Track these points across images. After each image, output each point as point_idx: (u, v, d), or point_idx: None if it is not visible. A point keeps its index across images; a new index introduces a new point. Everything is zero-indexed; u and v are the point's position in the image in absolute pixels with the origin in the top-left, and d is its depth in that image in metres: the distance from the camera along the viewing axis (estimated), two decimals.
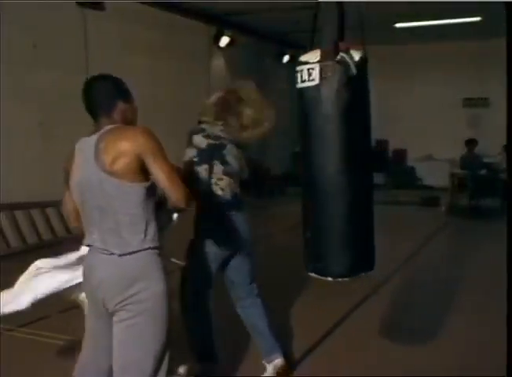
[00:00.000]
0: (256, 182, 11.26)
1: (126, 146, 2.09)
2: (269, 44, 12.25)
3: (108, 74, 2.31)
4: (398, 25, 10.92)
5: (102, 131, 2.16)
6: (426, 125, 12.86)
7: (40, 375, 3.48)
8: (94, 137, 2.16)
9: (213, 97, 3.30)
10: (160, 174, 2.11)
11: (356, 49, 2.22)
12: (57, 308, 4.01)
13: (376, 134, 13.26)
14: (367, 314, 4.54)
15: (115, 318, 2.19)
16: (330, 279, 2.28)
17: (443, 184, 10.88)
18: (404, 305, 4.81)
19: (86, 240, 2.26)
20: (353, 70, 2.17)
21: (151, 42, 8.83)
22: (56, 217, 6.90)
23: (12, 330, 4.07)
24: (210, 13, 9.82)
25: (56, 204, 6.29)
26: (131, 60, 8.39)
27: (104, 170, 2.09)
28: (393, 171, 13.24)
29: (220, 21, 10.28)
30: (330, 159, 2.22)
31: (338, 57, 2.15)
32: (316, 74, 2.16)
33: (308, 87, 2.20)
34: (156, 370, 2.19)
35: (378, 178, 13.53)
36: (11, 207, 6.49)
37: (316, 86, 2.16)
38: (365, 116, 2.30)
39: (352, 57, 2.18)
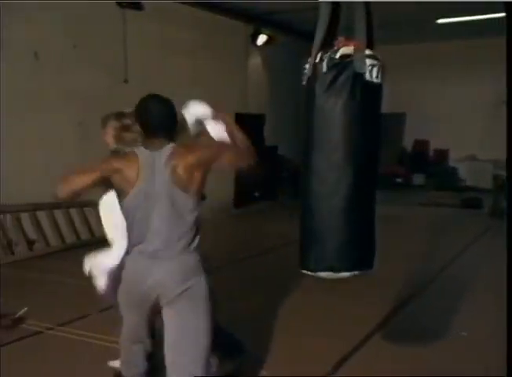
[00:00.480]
0: (292, 182, 11.23)
1: (192, 162, 2.46)
2: (307, 42, 12.15)
3: (166, 97, 2.63)
4: (440, 21, 10.71)
5: (170, 150, 2.48)
6: (469, 125, 12.57)
7: (79, 375, 3.51)
8: (162, 154, 2.47)
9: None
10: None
11: (355, 47, 2.23)
12: (98, 307, 4.10)
13: (416, 134, 13.05)
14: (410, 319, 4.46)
15: (169, 311, 2.49)
16: (322, 274, 2.32)
17: (486, 186, 10.61)
18: (448, 307, 4.71)
19: (134, 246, 2.53)
20: (324, 68, 2.22)
21: (189, 42, 8.89)
22: (93, 217, 7.02)
23: (52, 328, 4.14)
24: (248, 12, 9.82)
25: (94, 204, 6.48)
26: (169, 59, 8.47)
27: (175, 184, 2.44)
28: (433, 172, 13.00)
29: (258, 20, 10.27)
30: (327, 153, 2.26)
31: (319, 56, 2.28)
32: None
33: (305, 83, 2.34)
34: (207, 359, 2.52)
35: (418, 179, 13.31)
36: (50, 207, 6.64)
37: (312, 82, 2.28)
38: (365, 112, 2.27)
39: (376, 57, 2.23)
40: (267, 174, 11.04)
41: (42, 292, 5.00)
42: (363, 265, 2.35)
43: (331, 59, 2.21)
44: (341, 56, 2.21)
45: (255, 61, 10.85)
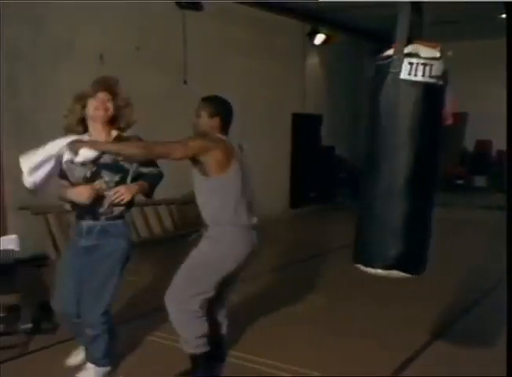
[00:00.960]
0: (350, 182, 11.14)
1: None
2: (367, 41, 12.02)
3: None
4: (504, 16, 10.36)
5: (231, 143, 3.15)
6: None
7: None
8: (235, 146, 3.18)
9: None
10: None
11: (432, 47, 2.19)
12: (152, 306, 4.16)
13: (478, 134, 12.65)
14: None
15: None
16: (372, 270, 2.32)
17: None
18: None
19: (241, 220, 3.09)
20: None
21: (247, 42, 8.97)
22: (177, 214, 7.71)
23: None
24: (306, 11, 9.79)
25: (178, 202, 7.59)
26: (228, 60, 8.57)
27: (246, 168, 3.19)
28: (496, 173, 12.60)
29: (316, 18, 10.22)
30: (391, 152, 2.25)
31: (404, 54, 2.19)
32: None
33: (377, 82, 2.29)
34: None
35: (480, 181, 12.94)
36: (141, 204, 6.89)
37: (381, 82, 2.24)
38: (428, 113, 2.24)
39: (418, 55, 2.19)
40: (323, 175, 11.02)
41: None
42: (417, 267, 2.32)
43: (413, 59, 2.17)
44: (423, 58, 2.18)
45: (313, 61, 10.83)
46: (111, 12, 6.83)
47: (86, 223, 3.15)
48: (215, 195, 3.07)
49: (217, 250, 3.10)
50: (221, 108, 3.21)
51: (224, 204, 3.07)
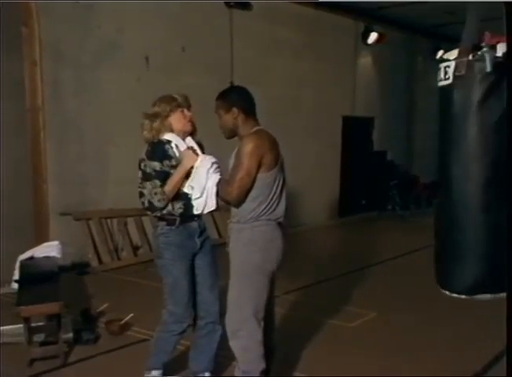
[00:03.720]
0: (402, 191, 10.90)
1: None
2: (422, 38, 11.75)
3: None
4: None
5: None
6: None
7: None
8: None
9: None
10: None
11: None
12: None
13: None
14: None
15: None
16: (458, 296, 2.17)
17: None
18: None
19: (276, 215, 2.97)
20: (488, 68, 2.01)
21: (296, 42, 8.88)
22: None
23: None
24: (358, 9, 9.63)
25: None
26: (276, 60, 8.52)
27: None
28: None
29: (369, 16, 10.05)
30: (464, 167, 2.12)
31: (478, 53, 2.03)
32: (450, 72, 2.11)
33: (443, 86, 2.15)
34: None
35: None
36: None
37: (450, 85, 2.11)
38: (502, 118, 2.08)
39: (494, 53, 2.02)
40: (374, 181, 10.82)
41: (147, 299, 5.07)
42: (502, 285, 2.16)
43: (494, 57, 2.03)
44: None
45: (365, 61, 10.65)
46: (156, 12, 6.86)
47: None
48: (260, 191, 2.94)
49: (258, 251, 2.98)
50: (232, 98, 3.07)
51: (265, 199, 2.95)
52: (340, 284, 5.93)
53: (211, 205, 3.05)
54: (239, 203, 2.93)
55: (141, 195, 3.14)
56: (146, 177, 3.09)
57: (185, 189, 3.05)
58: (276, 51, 8.55)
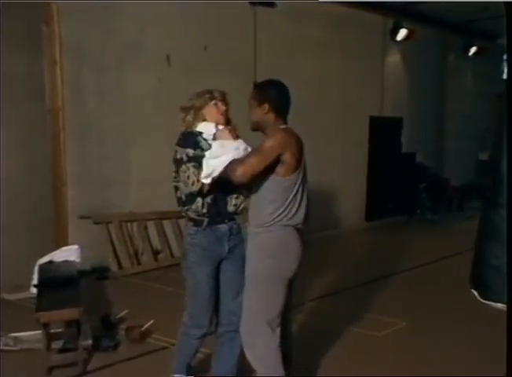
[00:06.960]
0: (432, 195, 10.78)
1: None
2: (453, 35, 11.60)
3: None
4: None
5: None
6: None
7: None
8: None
9: None
10: None
11: None
12: None
13: None
14: None
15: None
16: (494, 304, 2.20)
17: None
18: None
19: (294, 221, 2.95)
20: None
21: (321, 40, 8.84)
22: None
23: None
24: (388, 4, 9.52)
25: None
26: (301, 58, 8.48)
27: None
28: None
29: (398, 12, 9.94)
30: None
31: None
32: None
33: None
34: None
35: None
36: (175, 216, 6.85)
37: None
38: None
39: None
40: (403, 184, 10.71)
41: (167, 305, 5.10)
42: None
43: None
44: None
45: (394, 59, 10.55)
46: (178, 11, 6.88)
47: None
48: (277, 195, 2.92)
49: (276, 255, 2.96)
50: (268, 92, 3.01)
51: (282, 203, 2.92)
52: (367, 291, 5.88)
53: (216, 172, 2.94)
54: (239, 182, 2.88)
55: (176, 189, 3.12)
56: (178, 164, 3.05)
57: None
58: (300, 50, 8.51)
